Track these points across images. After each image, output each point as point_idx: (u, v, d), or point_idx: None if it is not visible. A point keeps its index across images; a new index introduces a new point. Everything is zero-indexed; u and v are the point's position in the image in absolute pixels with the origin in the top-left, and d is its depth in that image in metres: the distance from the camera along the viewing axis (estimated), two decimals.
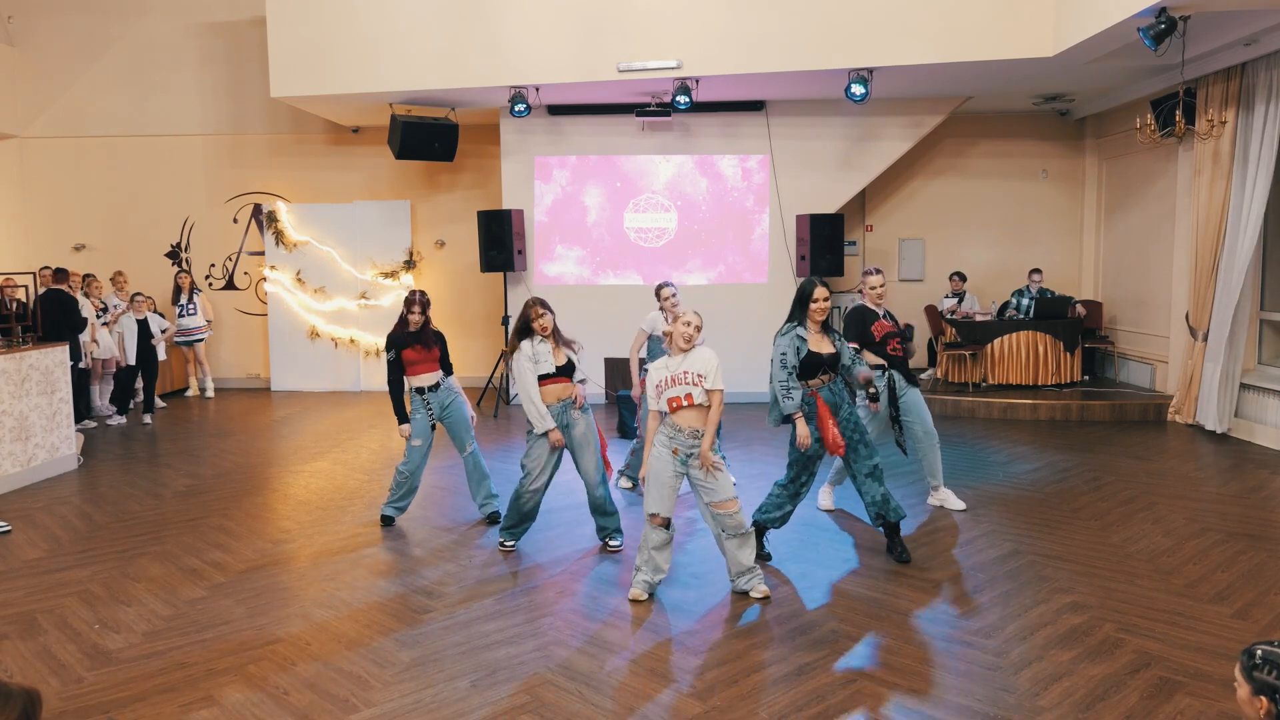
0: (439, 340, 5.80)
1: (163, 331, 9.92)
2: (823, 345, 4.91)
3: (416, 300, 5.68)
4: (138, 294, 9.76)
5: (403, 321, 5.69)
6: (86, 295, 9.94)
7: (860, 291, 5.93)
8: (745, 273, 10.39)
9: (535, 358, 5.08)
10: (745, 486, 6.64)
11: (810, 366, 4.85)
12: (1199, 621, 4.19)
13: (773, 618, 4.31)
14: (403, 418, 5.70)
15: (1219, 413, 8.09)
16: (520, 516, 5.29)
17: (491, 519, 5.86)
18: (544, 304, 5.15)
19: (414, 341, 5.67)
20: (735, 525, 4.46)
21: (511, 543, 5.35)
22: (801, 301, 4.90)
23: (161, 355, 10.04)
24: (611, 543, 5.33)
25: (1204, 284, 8.24)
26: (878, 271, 5.90)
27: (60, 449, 7.38)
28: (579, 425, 5.17)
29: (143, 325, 9.50)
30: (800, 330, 4.88)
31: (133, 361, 9.46)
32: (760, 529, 5.08)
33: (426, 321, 5.72)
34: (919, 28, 8.05)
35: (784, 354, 4.81)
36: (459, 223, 11.51)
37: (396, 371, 5.68)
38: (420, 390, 5.72)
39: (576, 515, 5.94)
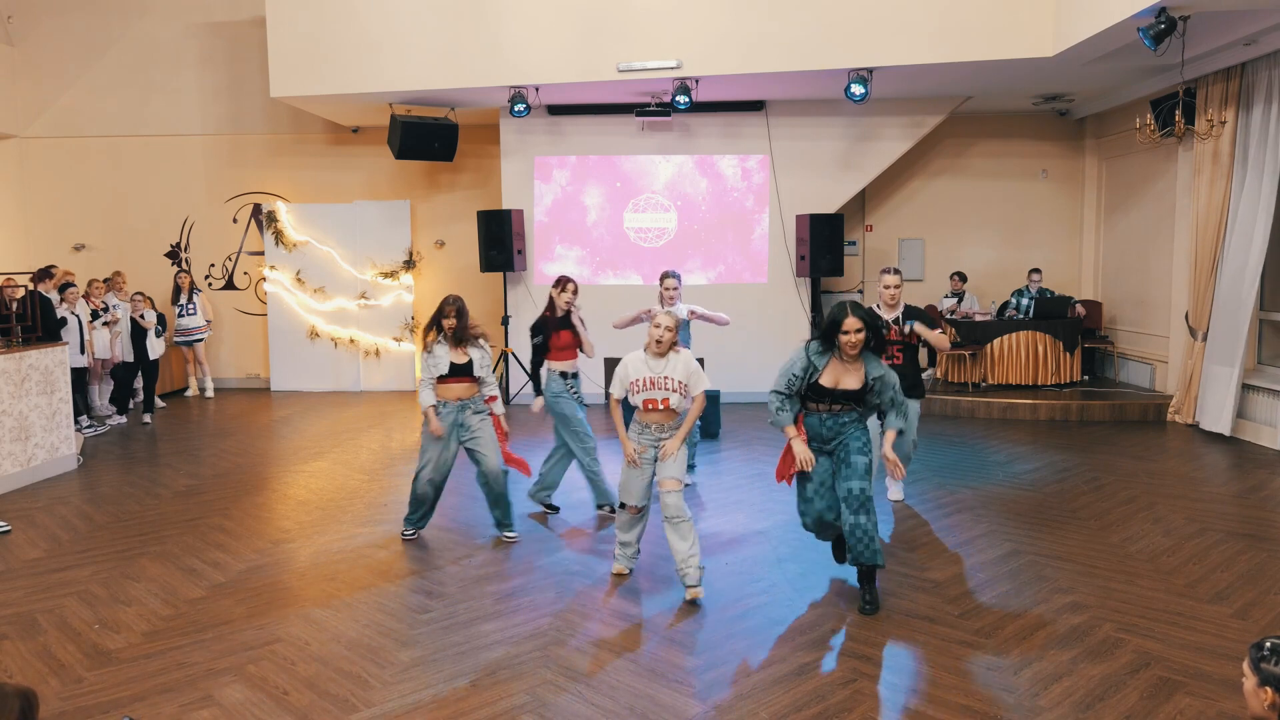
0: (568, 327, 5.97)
1: (159, 335, 9.87)
2: (844, 378, 4.28)
3: (571, 279, 5.89)
4: (137, 294, 9.76)
5: (551, 305, 5.88)
6: (87, 298, 9.92)
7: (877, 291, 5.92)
8: (745, 273, 10.39)
9: (435, 359, 5.27)
10: (745, 486, 6.65)
11: (816, 393, 4.34)
12: (1199, 621, 4.20)
13: (773, 618, 4.31)
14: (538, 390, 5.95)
15: (1219, 412, 8.09)
16: (414, 503, 5.45)
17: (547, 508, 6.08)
18: (458, 307, 5.27)
19: (561, 327, 5.85)
20: (672, 506, 4.52)
21: (411, 531, 5.51)
22: (829, 329, 4.23)
23: (159, 351, 10.00)
24: (507, 534, 5.48)
25: (1204, 284, 8.23)
26: (894, 271, 5.82)
27: (60, 449, 7.38)
28: (473, 428, 5.32)
29: (138, 325, 9.50)
30: (818, 353, 4.29)
31: (132, 359, 9.47)
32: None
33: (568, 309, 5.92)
34: (918, 27, 8.05)
35: (792, 374, 4.32)
36: (459, 223, 11.51)
37: (540, 354, 5.92)
38: (564, 375, 5.85)
39: (576, 515, 5.94)
